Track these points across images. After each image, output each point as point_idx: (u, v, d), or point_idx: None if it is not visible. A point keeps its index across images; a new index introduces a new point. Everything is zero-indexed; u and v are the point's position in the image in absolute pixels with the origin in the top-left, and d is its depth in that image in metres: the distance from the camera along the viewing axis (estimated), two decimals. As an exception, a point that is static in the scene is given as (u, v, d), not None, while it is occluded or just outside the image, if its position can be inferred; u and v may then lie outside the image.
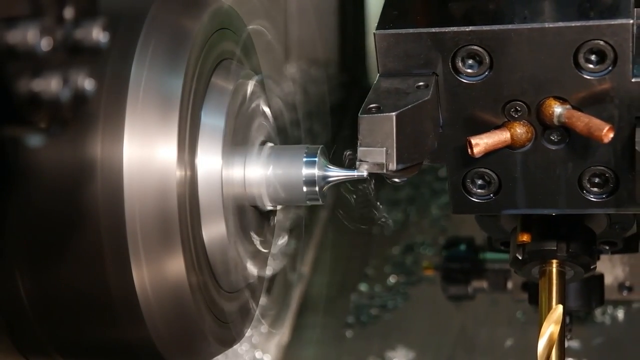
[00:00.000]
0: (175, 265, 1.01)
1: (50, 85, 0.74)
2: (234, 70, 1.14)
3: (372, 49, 1.18)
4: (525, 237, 1.29)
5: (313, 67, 2.63)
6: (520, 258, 1.30)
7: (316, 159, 1.10)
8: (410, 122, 1.07)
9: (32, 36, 0.73)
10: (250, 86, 1.16)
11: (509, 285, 1.74)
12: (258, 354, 2.22)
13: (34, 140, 0.80)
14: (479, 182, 1.16)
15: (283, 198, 1.12)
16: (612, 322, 2.22)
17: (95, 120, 0.98)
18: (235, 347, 1.17)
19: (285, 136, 1.21)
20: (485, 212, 1.19)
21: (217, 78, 1.10)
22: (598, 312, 2.23)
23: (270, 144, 1.17)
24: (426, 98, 1.08)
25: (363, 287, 2.42)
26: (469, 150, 1.08)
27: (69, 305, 1.02)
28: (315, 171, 1.10)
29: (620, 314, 2.23)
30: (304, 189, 1.11)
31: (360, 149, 1.07)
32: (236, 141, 1.10)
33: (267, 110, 1.20)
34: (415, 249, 2.52)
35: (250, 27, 1.19)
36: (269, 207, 1.15)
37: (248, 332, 1.19)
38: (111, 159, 0.98)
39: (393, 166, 1.06)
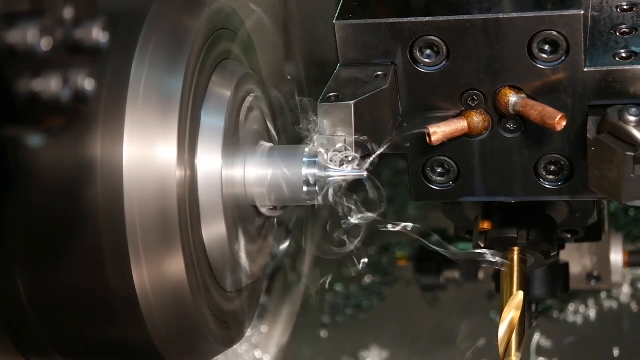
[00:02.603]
0: (175, 265, 1.01)
1: (50, 85, 0.74)
2: (234, 70, 1.14)
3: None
4: (486, 225, 1.31)
5: (313, 67, 2.63)
6: (482, 245, 1.32)
7: (316, 159, 1.10)
8: (369, 111, 1.10)
9: (32, 36, 0.72)
10: (250, 86, 1.16)
11: (480, 275, 1.75)
12: (258, 354, 2.21)
13: (34, 140, 0.80)
14: (439, 170, 1.18)
15: (283, 198, 1.12)
16: (584, 321, 2.24)
17: (95, 120, 0.98)
18: (235, 347, 1.16)
19: (285, 136, 1.21)
20: (445, 199, 1.21)
21: (217, 78, 1.10)
22: (570, 311, 2.24)
23: (270, 144, 1.17)
24: (384, 87, 1.10)
25: (338, 287, 2.43)
26: (427, 138, 1.10)
27: (69, 305, 1.02)
28: (315, 171, 1.10)
29: (592, 313, 2.24)
30: (304, 189, 1.10)
31: (319, 137, 1.09)
32: (236, 141, 1.10)
33: (267, 110, 1.20)
34: (391, 250, 2.53)
35: (250, 26, 1.19)
36: (269, 207, 1.15)
37: (248, 332, 1.19)
38: (111, 159, 0.98)
39: (351, 154, 1.09)
